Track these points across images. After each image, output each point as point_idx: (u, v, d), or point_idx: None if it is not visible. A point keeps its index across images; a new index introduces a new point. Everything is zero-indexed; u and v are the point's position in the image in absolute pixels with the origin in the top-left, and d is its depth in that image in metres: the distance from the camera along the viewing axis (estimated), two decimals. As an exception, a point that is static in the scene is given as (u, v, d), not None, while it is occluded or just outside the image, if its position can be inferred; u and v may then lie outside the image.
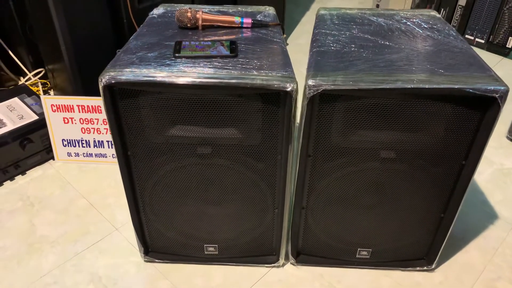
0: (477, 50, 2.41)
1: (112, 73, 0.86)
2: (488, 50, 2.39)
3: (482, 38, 2.38)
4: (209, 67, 0.89)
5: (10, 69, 1.88)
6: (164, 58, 0.91)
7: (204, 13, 1.03)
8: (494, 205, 1.44)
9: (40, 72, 1.88)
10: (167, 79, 0.85)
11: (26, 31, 1.77)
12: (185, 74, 0.86)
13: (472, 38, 2.42)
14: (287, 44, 2.42)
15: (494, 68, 2.23)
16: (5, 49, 1.85)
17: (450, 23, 2.48)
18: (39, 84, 1.88)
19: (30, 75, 1.87)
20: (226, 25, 1.05)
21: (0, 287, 1.15)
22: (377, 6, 2.74)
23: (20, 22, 1.75)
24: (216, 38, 1.00)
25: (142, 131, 0.95)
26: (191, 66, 0.89)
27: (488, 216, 1.39)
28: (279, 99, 0.89)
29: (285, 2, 2.22)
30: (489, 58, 2.33)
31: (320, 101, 0.89)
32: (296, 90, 0.86)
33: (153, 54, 0.93)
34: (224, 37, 1.00)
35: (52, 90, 1.87)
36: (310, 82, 0.86)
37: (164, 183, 1.04)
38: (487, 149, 1.68)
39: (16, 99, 1.59)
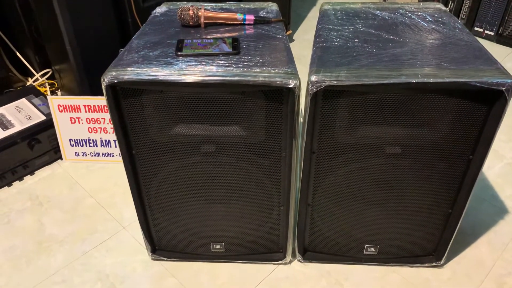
0: (487, 43, 2.38)
1: (114, 73, 0.86)
2: (498, 42, 2.35)
3: (491, 31, 2.35)
4: (211, 65, 0.88)
5: (18, 70, 1.90)
6: (166, 56, 0.91)
7: (206, 11, 1.03)
8: (504, 199, 1.42)
9: (47, 72, 1.90)
10: (169, 78, 0.85)
11: (32, 32, 1.79)
12: (187, 73, 0.86)
13: (481, 30, 2.38)
14: (294, 40, 2.41)
15: (504, 61, 2.19)
16: (12, 50, 1.87)
17: (459, 16, 2.44)
18: (47, 84, 1.89)
19: (37, 75, 1.88)
20: (229, 22, 1.04)
21: (9, 286, 1.17)
22: (384, 0, 2.71)
23: (26, 23, 1.76)
24: (218, 35, 1.00)
25: (146, 130, 0.95)
26: (193, 64, 0.88)
27: (498, 211, 1.38)
28: (282, 96, 0.88)
29: (290, -3, 2.20)
30: (498, 50, 2.30)
31: (323, 97, 0.88)
32: (299, 87, 0.86)
33: (155, 53, 0.93)
34: (227, 35, 1.00)
35: (59, 90, 1.88)
36: (313, 78, 0.85)
37: (169, 181, 1.04)
38: (498, 143, 1.66)
39: (24, 99, 1.61)
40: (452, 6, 2.44)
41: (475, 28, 2.40)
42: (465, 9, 2.40)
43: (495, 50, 2.30)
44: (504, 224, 1.33)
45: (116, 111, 0.91)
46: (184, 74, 0.85)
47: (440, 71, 0.86)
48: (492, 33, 2.35)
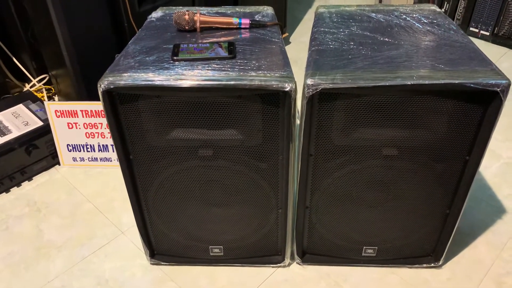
0: (482, 43, 2.38)
1: (110, 78, 0.86)
2: (493, 42, 2.36)
3: (487, 31, 2.36)
4: (208, 69, 0.89)
5: (14, 76, 1.90)
6: (162, 61, 0.92)
7: (202, 15, 1.03)
8: (502, 199, 1.42)
9: (44, 78, 1.90)
10: (165, 83, 0.85)
11: (29, 37, 1.79)
12: (183, 77, 0.86)
13: (477, 30, 2.39)
14: (290, 42, 2.41)
15: (499, 61, 2.20)
16: (9, 56, 1.87)
17: (454, 16, 2.45)
18: (44, 90, 1.89)
19: (34, 81, 1.88)
20: (224, 26, 1.04)
21: (8, 292, 1.17)
22: (380, 1, 2.72)
23: (22, 29, 1.76)
24: (214, 39, 1.00)
25: (143, 135, 0.95)
26: (189, 69, 0.89)
27: (496, 210, 1.38)
28: (278, 99, 0.89)
29: (286, 0, 2.21)
30: (494, 50, 2.31)
31: (319, 100, 0.89)
32: (295, 90, 0.86)
33: (151, 58, 0.93)
34: (222, 39, 1.00)
35: (56, 95, 1.88)
36: (309, 81, 0.86)
37: (167, 186, 1.04)
38: (494, 142, 1.67)
39: (21, 105, 1.61)
40: (447, 6, 2.45)
41: (471, 29, 2.41)
42: (460, 9, 2.41)
43: (491, 50, 2.31)
44: (502, 223, 1.33)
45: (113, 117, 0.91)
46: (181, 79, 0.86)
47: (435, 73, 0.86)
48: (487, 33, 2.36)
